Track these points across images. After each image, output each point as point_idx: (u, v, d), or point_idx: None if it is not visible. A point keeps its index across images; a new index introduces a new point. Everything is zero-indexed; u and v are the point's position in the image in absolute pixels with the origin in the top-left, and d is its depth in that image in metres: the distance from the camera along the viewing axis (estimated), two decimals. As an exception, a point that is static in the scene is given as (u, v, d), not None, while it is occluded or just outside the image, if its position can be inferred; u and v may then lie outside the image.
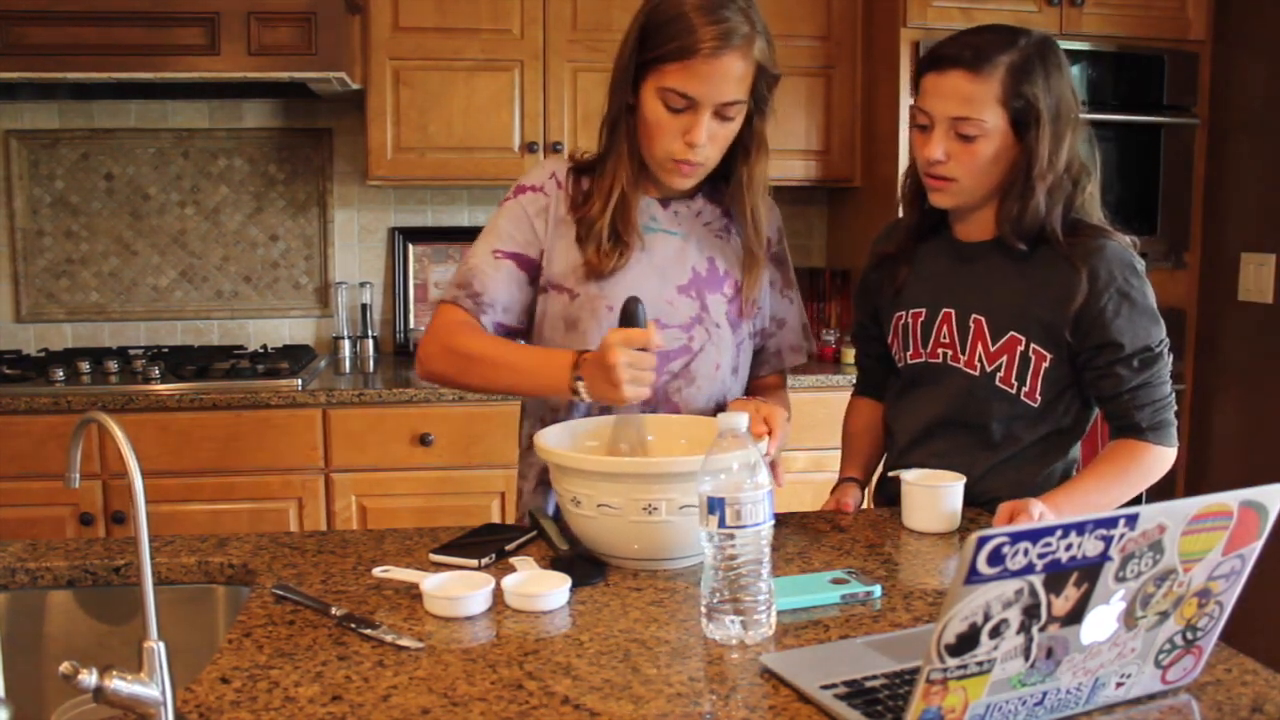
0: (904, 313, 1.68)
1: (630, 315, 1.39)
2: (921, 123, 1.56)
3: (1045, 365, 1.56)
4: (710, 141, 1.49)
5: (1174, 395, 1.57)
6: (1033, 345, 1.56)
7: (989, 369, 1.59)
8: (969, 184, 1.55)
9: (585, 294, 1.56)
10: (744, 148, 1.56)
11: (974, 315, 1.60)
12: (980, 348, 1.60)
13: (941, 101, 1.52)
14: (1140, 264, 1.56)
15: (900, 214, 1.73)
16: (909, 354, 1.67)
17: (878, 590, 1.26)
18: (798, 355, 1.74)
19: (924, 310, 1.65)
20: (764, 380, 1.74)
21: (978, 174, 1.54)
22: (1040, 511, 1.43)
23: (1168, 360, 1.56)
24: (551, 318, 1.59)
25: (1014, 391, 1.58)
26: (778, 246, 1.71)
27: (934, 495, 1.51)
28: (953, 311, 1.62)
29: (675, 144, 1.49)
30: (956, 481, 1.51)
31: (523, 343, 1.64)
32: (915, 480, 1.53)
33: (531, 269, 1.60)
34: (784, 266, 1.72)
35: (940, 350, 1.63)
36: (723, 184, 1.61)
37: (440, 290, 3.34)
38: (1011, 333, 1.57)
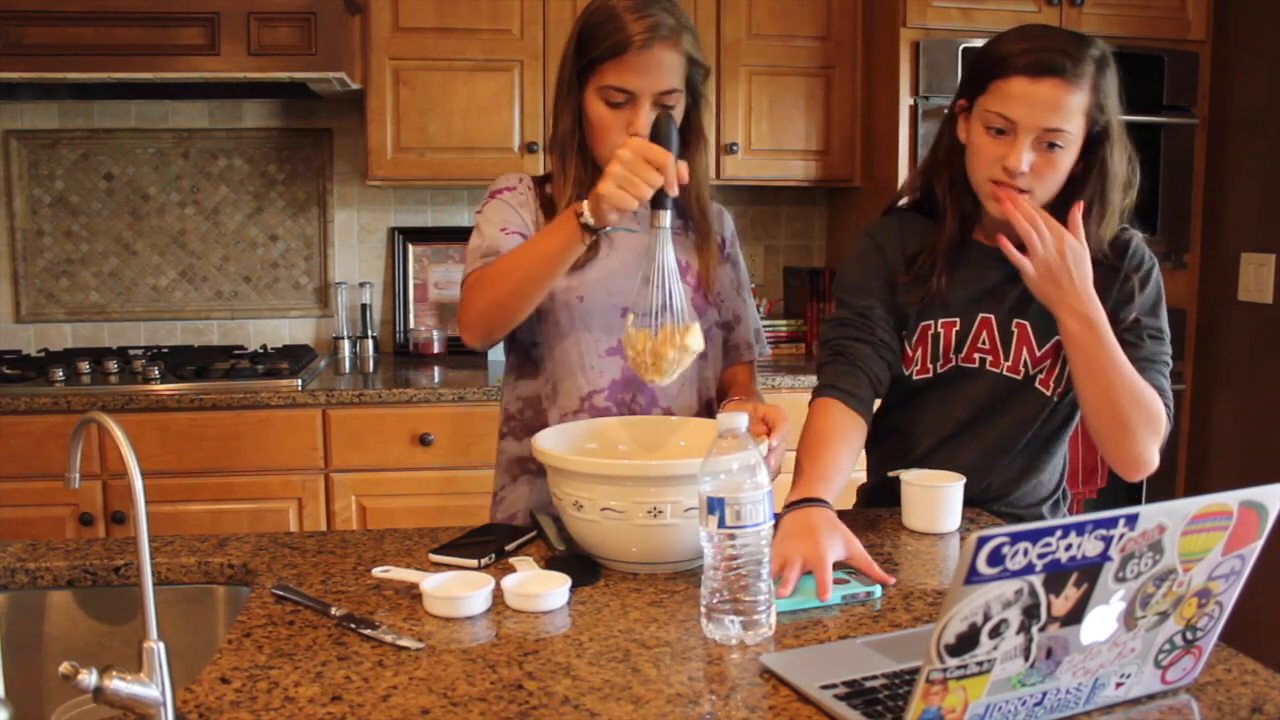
0: (933, 322, 1.61)
1: (657, 133, 1.38)
2: (998, 126, 1.47)
3: None
4: None
5: (1173, 396, 1.57)
6: None
7: (1032, 372, 1.58)
8: (1039, 196, 1.49)
9: (555, 286, 1.58)
10: (682, 140, 1.57)
11: (1016, 320, 1.58)
12: (1025, 352, 1.58)
13: (1032, 110, 1.44)
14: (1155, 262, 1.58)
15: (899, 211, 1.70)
16: (938, 364, 1.61)
17: (878, 590, 1.26)
18: (749, 353, 1.78)
19: (957, 320, 1.60)
20: (730, 371, 1.77)
21: (1051, 186, 1.49)
22: None
23: (1170, 360, 1.56)
24: None
25: (1049, 393, 1.58)
26: (730, 249, 1.76)
27: (934, 495, 1.50)
28: (991, 317, 1.59)
29: (620, 138, 1.51)
30: (956, 481, 1.51)
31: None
32: (915, 480, 1.52)
33: None
34: (737, 269, 1.78)
35: (977, 355, 1.60)
36: None
37: (440, 291, 3.35)
38: (1057, 336, 1.53)
